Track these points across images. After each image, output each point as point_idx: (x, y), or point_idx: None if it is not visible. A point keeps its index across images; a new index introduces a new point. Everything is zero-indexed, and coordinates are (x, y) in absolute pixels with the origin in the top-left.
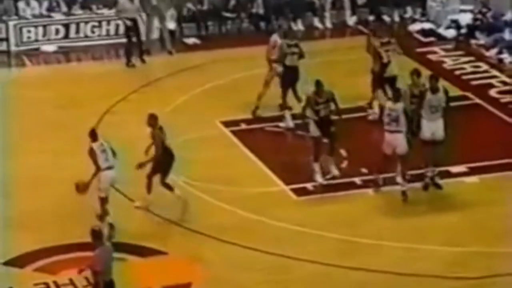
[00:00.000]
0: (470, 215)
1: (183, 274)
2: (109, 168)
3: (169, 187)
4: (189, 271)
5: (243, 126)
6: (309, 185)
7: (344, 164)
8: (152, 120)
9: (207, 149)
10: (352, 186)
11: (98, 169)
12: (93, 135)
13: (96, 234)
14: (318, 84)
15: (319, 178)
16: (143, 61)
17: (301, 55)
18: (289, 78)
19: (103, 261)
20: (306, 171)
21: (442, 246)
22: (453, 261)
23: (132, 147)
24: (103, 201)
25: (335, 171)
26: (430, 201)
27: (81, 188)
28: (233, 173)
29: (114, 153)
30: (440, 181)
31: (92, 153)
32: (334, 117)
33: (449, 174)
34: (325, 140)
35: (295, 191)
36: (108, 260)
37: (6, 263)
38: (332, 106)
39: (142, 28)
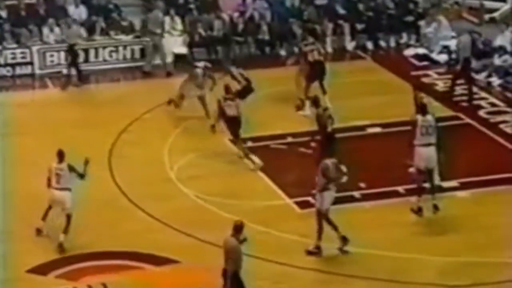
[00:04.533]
0: (461, 227)
1: (194, 282)
2: (57, 189)
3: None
4: (200, 279)
5: (250, 143)
6: (311, 199)
7: (344, 179)
8: None
9: (217, 165)
10: (350, 199)
11: (49, 185)
12: (60, 156)
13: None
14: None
15: None
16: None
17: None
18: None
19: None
20: (309, 186)
21: (434, 256)
22: (445, 270)
23: (146, 162)
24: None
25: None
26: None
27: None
28: (240, 187)
29: (81, 176)
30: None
31: (50, 171)
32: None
33: (441, 189)
34: None
35: (298, 204)
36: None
37: (30, 271)
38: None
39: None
